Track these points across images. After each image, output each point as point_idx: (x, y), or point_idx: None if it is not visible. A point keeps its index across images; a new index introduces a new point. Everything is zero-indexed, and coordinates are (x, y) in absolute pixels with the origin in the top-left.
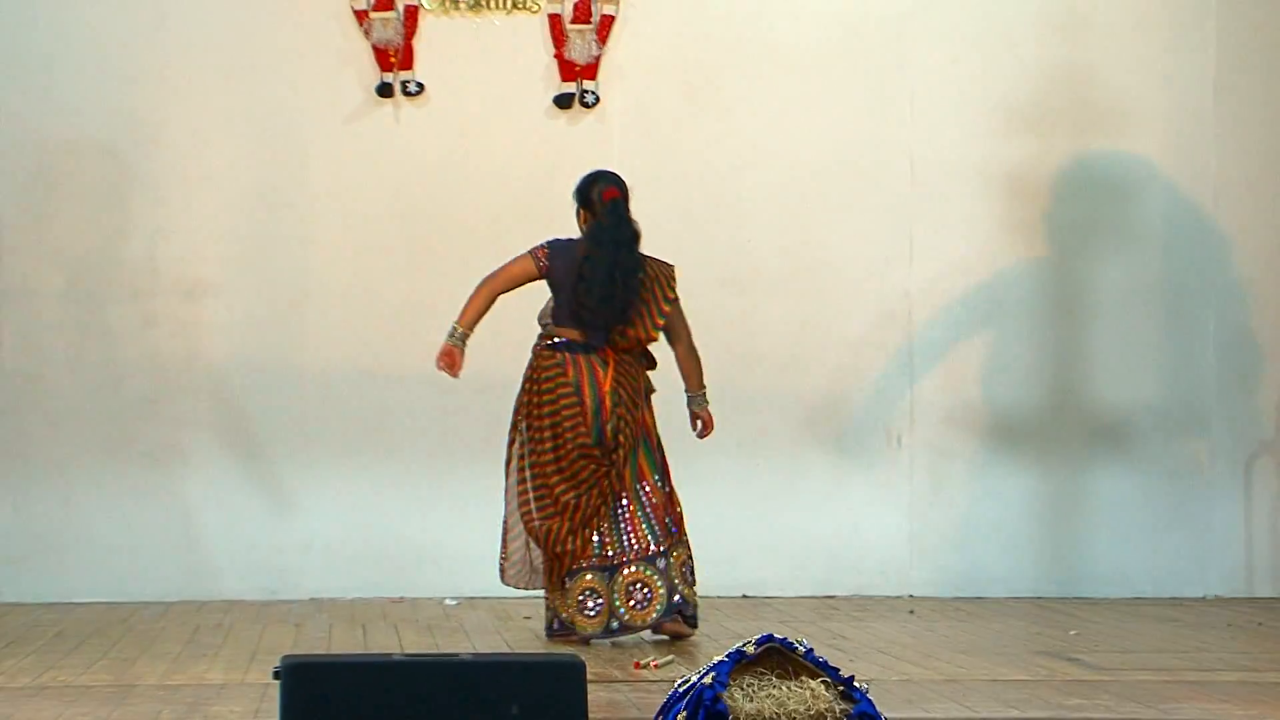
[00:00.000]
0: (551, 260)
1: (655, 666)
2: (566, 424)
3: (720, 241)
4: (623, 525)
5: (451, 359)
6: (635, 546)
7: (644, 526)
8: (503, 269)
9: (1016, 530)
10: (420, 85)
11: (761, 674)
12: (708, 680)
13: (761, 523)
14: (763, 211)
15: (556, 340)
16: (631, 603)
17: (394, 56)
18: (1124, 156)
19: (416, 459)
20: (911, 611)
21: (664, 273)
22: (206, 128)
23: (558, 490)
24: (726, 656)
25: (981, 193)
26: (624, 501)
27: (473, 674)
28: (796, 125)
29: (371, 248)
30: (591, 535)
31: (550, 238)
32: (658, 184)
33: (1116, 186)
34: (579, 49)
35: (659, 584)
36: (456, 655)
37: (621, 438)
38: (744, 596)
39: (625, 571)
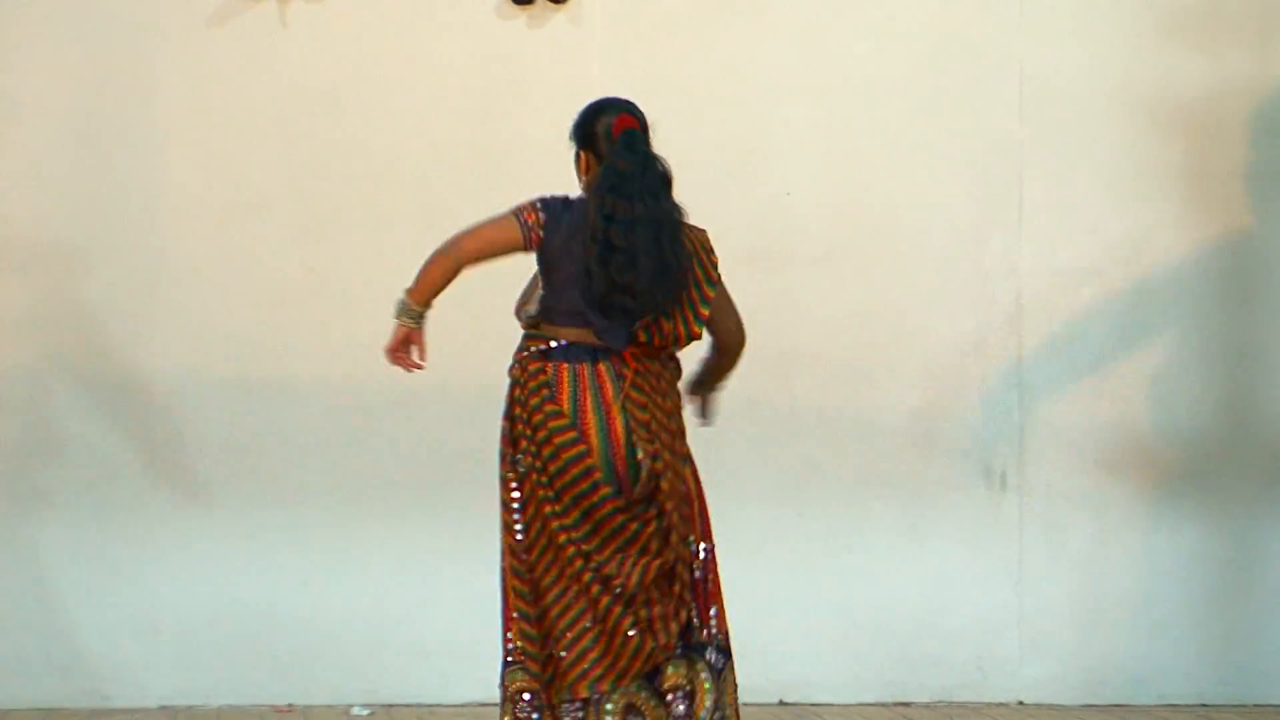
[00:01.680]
0: (547, 228)
1: None
2: (564, 474)
3: (745, 199)
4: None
5: (407, 346)
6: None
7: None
8: (476, 230)
9: (1172, 609)
10: None
11: None
12: None
13: (808, 597)
14: (806, 156)
15: (549, 346)
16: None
17: None
18: None
19: (314, 504)
20: None
21: (701, 241)
22: (15, 36)
23: (544, 589)
24: None
25: (1121, 129)
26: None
27: None
28: (856, 27)
29: (248, 203)
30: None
31: (540, 194)
32: (655, 114)
33: None
34: None
35: (708, 689)
36: None
37: (663, 482)
38: (781, 703)
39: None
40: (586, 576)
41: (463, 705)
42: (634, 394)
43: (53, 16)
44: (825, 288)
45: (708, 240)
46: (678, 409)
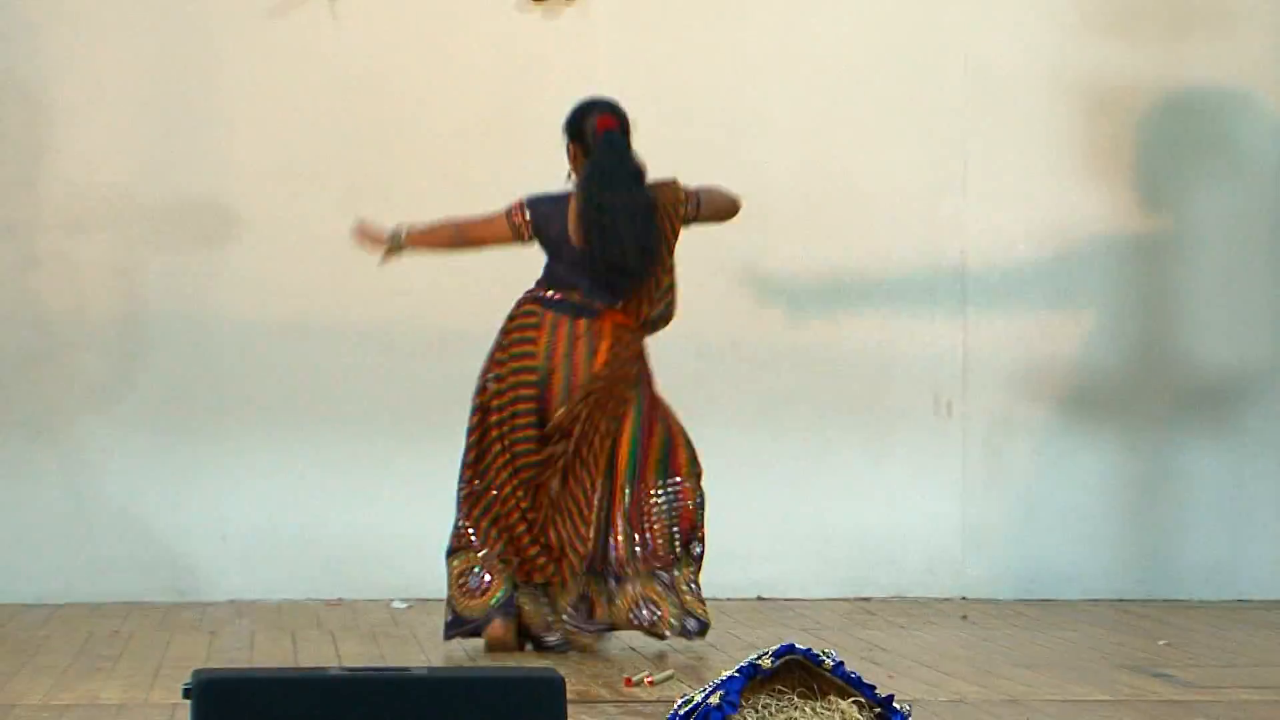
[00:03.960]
0: (537, 222)
1: (650, 683)
2: (514, 402)
3: (729, 165)
4: (616, 527)
5: (371, 245)
6: (638, 554)
7: (652, 534)
8: (472, 224)
9: (1093, 518)
10: None
11: (781, 693)
12: (714, 700)
13: (781, 509)
14: (782, 128)
15: (546, 296)
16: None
17: None
18: (1227, 62)
19: (357, 431)
20: (964, 617)
21: (670, 197)
22: (95, 25)
23: (500, 484)
24: (737, 671)
25: (1053, 105)
26: (615, 499)
27: (427, 692)
28: (826, 20)
29: (301, 174)
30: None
31: (528, 195)
32: (653, 95)
33: (1218, 99)
34: None
35: (668, 603)
36: (408, 670)
37: (595, 420)
38: (759, 599)
39: (630, 588)
40: (519, 491)
41: None
42: (601, 351)
43: (131, 10)
44: (798, 244)
45: (677, 190)
46: (632, 377)
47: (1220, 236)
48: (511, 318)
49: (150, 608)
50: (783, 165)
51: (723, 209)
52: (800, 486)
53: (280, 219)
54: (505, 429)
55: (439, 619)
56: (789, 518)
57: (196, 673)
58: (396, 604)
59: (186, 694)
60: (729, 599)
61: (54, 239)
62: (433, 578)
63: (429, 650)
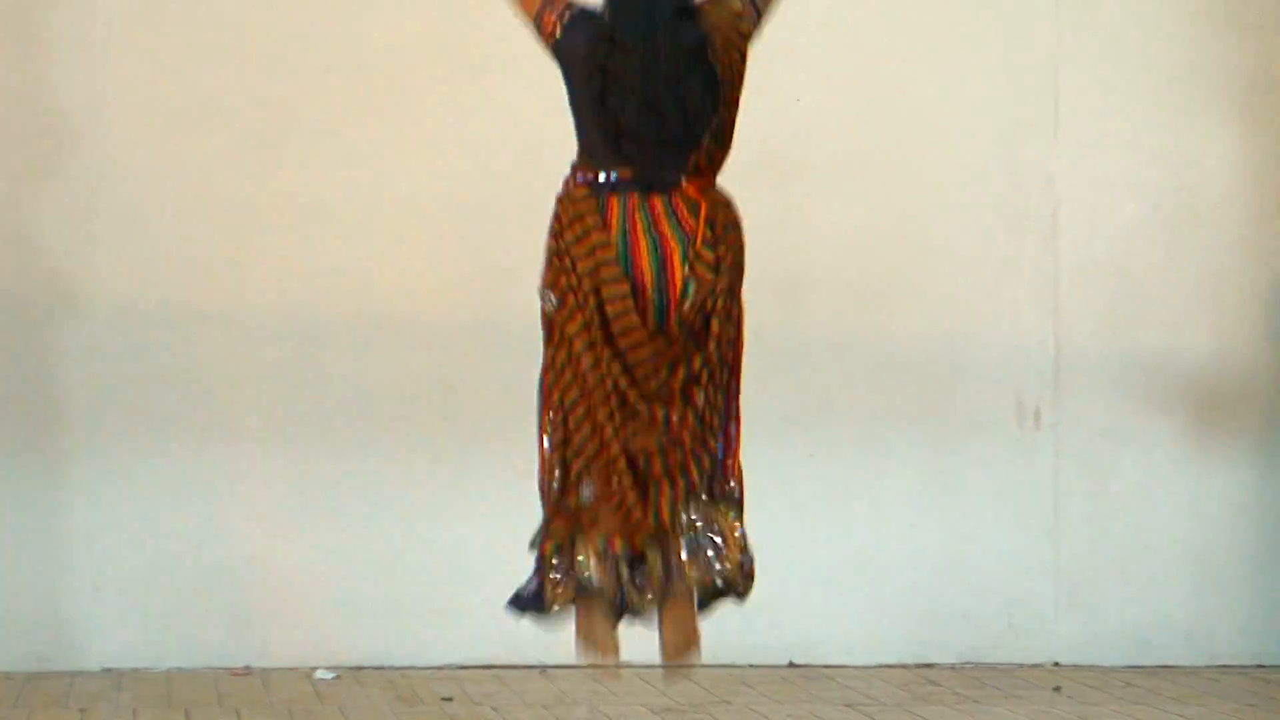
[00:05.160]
0: (568, 30)
1: None
2: (608, 305)
3: (754, 102)
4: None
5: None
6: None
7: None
8: None
9: (1224, 560)
10: None
11: None
12: None
13: (820, 548)
14: (817, 57)
15: (598, 178)
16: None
17: None
18: None
19: (269, 448)
20: (1058, 688)
21: (723, 19)
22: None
23: (599, 424)
24: None
25: (1168, 27)
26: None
27: None
28: None
29: (197, 111)
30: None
31: None
32: None
33: None
34: None
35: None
36: None
37: (715, 322)
38: (791, 665)
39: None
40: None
41: (439, 668)
42: (690, 227)
43: None
44: (838, 203)
45: (733, 3)
46: (740, 259)
47: None
48: (559, 214)
49: (2, 679)
50: (820, 101)
51: None
52: (843, 518)
53: (168, 169)
54: (595, 332)
55: (376, 693)
56: (828, 562)
57: None
58: (321, 673)
59: None
60: (752, 665)
61: None
62: (366, 641)
63: None
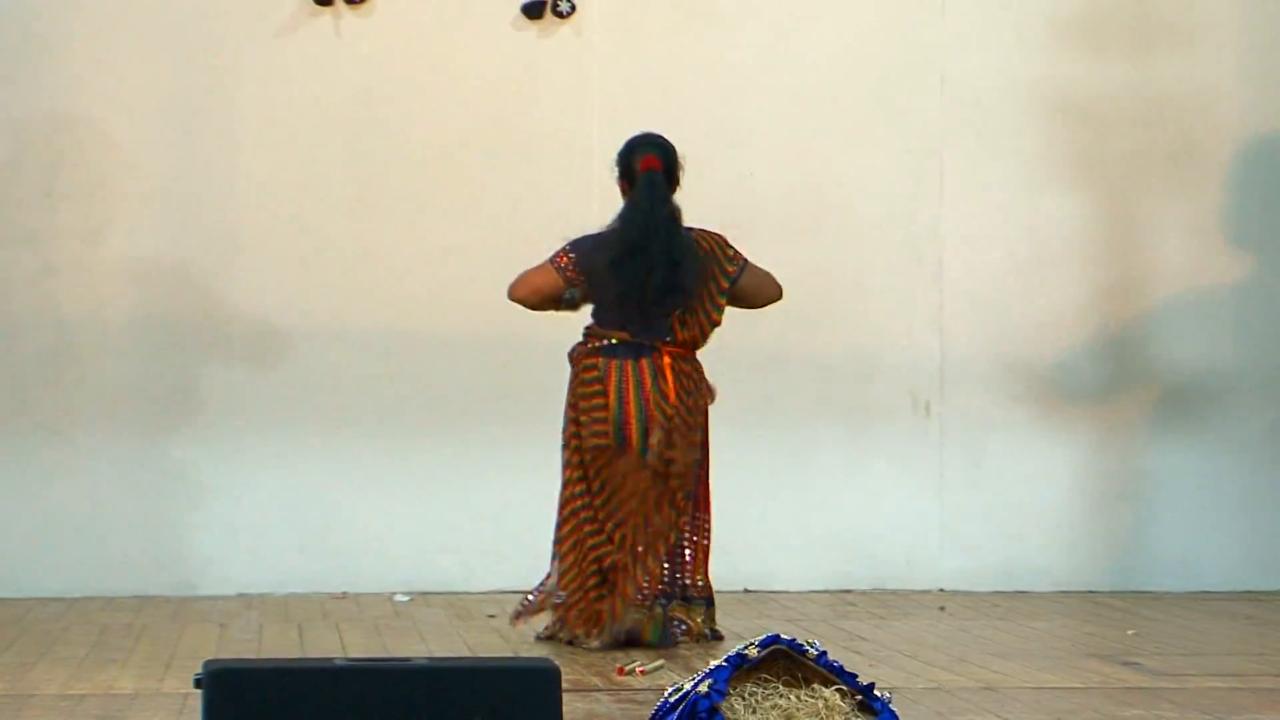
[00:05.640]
0: (580, 266)
1: (641, 672)
2: (595, 448)
3: (718, 177)
4: (680, 559)
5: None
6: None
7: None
8: (525, 279)
9: (1065, 513)
10: None
11: (766, 681)
12: (703, 688)
13: (767, 505)
14: (768, 141)
15: (603, 343)
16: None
17: None
18: (1191, 75)
19: (362, 431)
20: (942, 608)
21: (716, 242)
22: (114, 42)
23: (595, 535)
24: (725, 661)
25: (1025, 118)
26: (685, 535)
27: (428, 681)
28: (807, 39)
29: (309, 183)
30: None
31: (573, 237)
32: (644, 109)
33: (1182, 110)
34: None
35: (699, 619)
36: (409, 660)
37: (675, 456)
38: (746, 591)
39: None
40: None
41: (485, 593)
42: (664, 386)
43: (148, 31)
44: (782, 250)
45: (725, 244)
46: (700, 406)
47: (1185, 243)
48: (575, 376)
49: (162, 601)
50: (768, 176)
51: (765, 284)
52: (785, 484)
53: (287, 229)
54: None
55: (439, 612)
56: (774, 515)
57: (207, 664)
58: (399, 597)
59: (198, 684)
60: (718, 591)
61: (72, 247)
62: (432, 572)
63: (430, 641)
